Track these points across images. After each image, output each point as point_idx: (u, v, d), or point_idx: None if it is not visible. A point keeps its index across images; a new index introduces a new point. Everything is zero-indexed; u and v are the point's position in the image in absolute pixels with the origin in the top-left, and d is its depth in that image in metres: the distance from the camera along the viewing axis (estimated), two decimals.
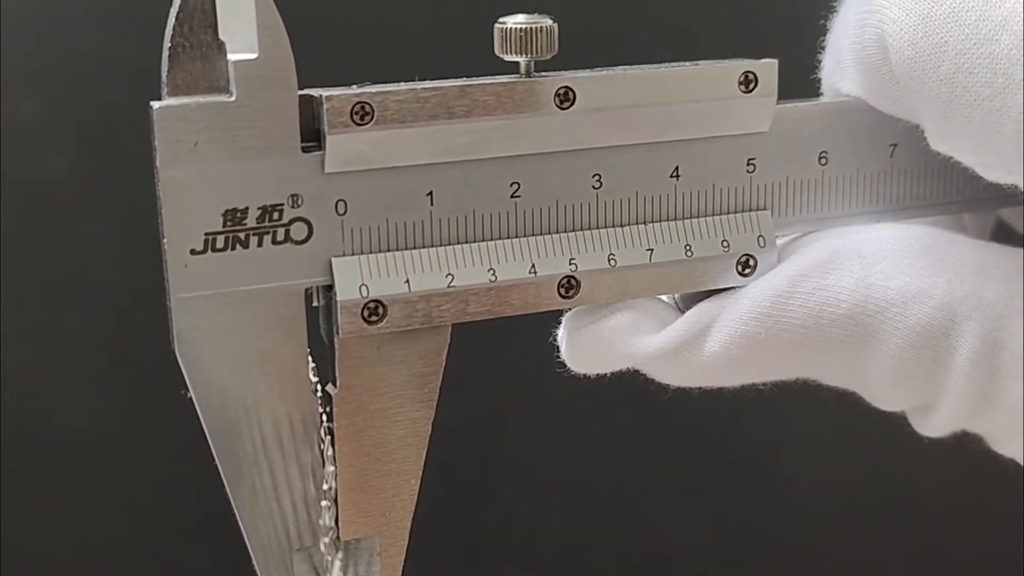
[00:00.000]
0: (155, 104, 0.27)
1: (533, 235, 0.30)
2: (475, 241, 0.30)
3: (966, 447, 0.36)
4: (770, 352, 0.33)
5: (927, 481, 0.72)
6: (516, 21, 0.29)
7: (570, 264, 0.30)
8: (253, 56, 0.27)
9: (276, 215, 0.28)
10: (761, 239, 0.32)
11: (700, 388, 0.34)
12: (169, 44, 0.27)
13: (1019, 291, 0.33)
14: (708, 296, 0.32)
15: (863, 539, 0.74)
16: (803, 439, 0.74)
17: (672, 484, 0.73)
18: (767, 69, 0.31)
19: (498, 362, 0.65)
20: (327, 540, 0.28)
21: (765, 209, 0.33)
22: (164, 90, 0.27)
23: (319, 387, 0.29)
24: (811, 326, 0.32)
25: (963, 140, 0.32)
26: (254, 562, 0.29)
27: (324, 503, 0.29)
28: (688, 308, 0.32)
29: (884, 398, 0.33)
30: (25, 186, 0.65)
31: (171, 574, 0.70)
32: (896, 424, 0.36)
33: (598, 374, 0.34)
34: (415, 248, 0.29)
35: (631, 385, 0.35)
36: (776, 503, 0.74)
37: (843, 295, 0.32)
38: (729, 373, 0.33)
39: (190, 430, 0.29)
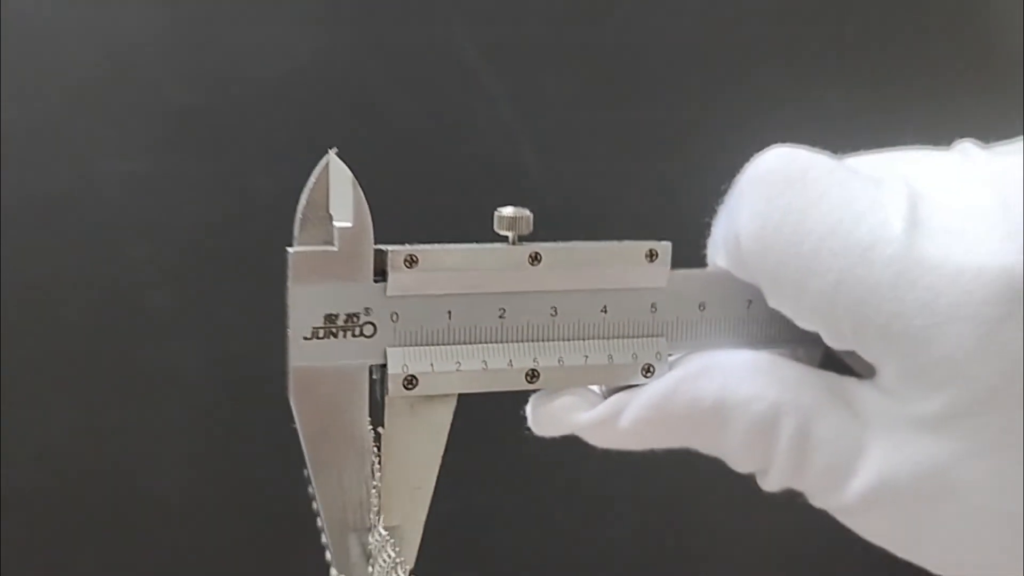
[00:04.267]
0: (290, 249, 0.41)
1: (512, 342, 0.43)
2: (476, 343, 0.43)
3: None
4: (660, 429, 0.43)
5: None
6: (506, 212, 0.42)
7: (534, 362, 0.43)
8: (349, 224, 0.41)
9: (355, 319, 0.42)
10: (658, 355, 0.44)
11: (620, 451, 0.46)
12: (300, 215, 0.43)
13: (824, 400, 0.42)
14: (622, 389, 0.44)
15: None
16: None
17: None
18: (664, 248, 0.44)
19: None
20: (373, 522, 0.44)
21: (662, 336, 0.45)
22: (295, 240, 0.41)
23: (374, 428, 0.45)
24: (686, 415, 0.43)
25: (784, 305, 0.42)
26: (327, 537, 0.44)
27: (373, 499, 0.44)
28: (609, 396, 0.44)
29: (736, 464, 0.43)
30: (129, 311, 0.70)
31: None
32: None
33: (551, 437, 0.46)
34: (438, 345, 0.43)
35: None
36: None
37: (709, 395, 0.42)
38: (635, 441, 0.44)
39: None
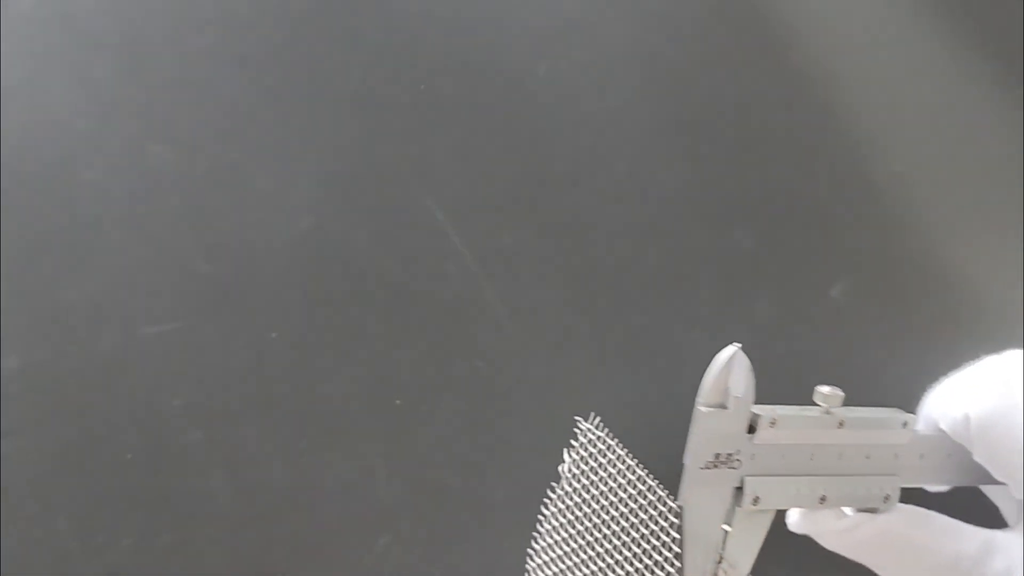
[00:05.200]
0: (701, 408, 0.56)
1: (814, 476, 0.58)
2: (794, 476, 0.58)
3: None
4: (879, 546, 0.59)
5: None
6: (824, 390, 0.58)
7: (825, 490, 0.59)
8: (740, 395, 0.57)
9: (730, 456, 0.57)
10: (893, 488, 0.60)
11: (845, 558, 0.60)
12: (708, 386, 0.59)
13: (985, 550, 0.59)
14: (865, 511, 0.60)
15: None
16: None
17: None
18: (912, 418, 0.60)
19: None
20: None
21: (897, 475, 0.61)
22: (700, 403, 0.55)
23: (722, 527, 0.64)
24: (899, 539, 0.59)
25: (989, 465, 0.59)
26: None
27: (720, 565, 0.64)
28: (855, 514, 0.60)
29: None
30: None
31: None
32: None
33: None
34: (774, 476, 0.58)
35: None
36: None
37: (917, 535, 0.59)
38: (858, 550, 0.59)
39: None
